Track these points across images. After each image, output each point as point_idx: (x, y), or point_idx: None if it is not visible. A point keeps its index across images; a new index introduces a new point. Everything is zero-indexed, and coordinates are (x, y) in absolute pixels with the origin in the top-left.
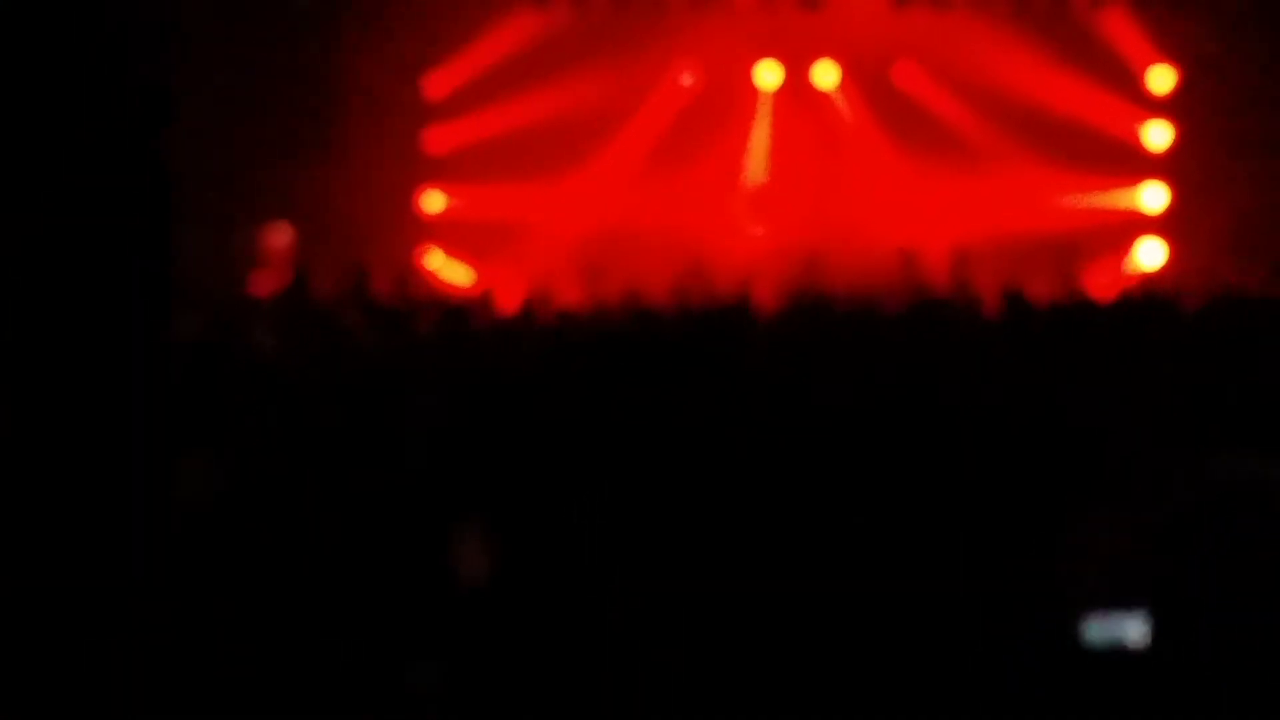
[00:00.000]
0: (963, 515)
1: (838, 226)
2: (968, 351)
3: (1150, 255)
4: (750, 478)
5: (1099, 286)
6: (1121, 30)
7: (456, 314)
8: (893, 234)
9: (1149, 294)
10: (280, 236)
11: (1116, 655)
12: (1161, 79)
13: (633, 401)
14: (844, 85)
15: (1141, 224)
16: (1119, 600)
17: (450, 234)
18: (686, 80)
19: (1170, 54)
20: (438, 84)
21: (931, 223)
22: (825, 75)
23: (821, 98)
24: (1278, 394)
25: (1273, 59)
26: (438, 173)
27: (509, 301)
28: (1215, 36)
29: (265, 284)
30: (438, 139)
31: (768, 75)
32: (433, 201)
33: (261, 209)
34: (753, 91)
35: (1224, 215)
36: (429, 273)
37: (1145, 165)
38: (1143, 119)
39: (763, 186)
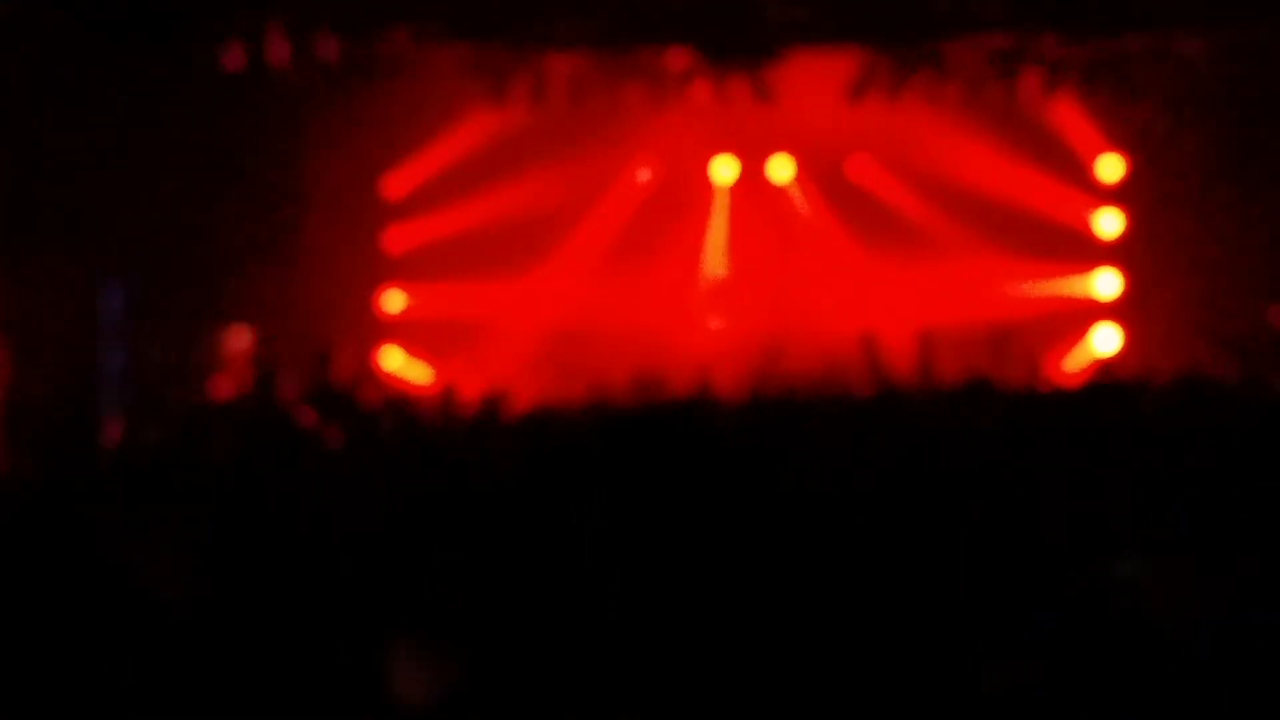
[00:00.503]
0: (925, 599)
1: (797, 318)
2: (930, 439)
3: (1106, 341)
4: (716, 570)
5: (1056, 373)
6: (1071, 120)
7: (417, 415)
8: (851, 324)
9: (1106, 380)
10: (240, 340)
11: None
12: (1111, 167)
13: (596, 499)
14: (799, 179)
15: (1096, 310)
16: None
17: (410, 333)
18: (643, 176)
19: (1119, 143)
20: (397, 184)
21: (889, 312)
22: (781, 169)
23: (777, 191)
24: (1233, 478)
25: (1218, 145)
26: (397, 272)
27: (469, 400)
28: (1162, 125)
29: (226, 387)
30: (397, 239)
31: (724, 170)
32: (392, 301)
33: (222, 312)
34: (709, 186)
35: (1177, 300)
36: (389, 372)
37: (1098, 252)
38: (1094, 207)
39: (721, 280)
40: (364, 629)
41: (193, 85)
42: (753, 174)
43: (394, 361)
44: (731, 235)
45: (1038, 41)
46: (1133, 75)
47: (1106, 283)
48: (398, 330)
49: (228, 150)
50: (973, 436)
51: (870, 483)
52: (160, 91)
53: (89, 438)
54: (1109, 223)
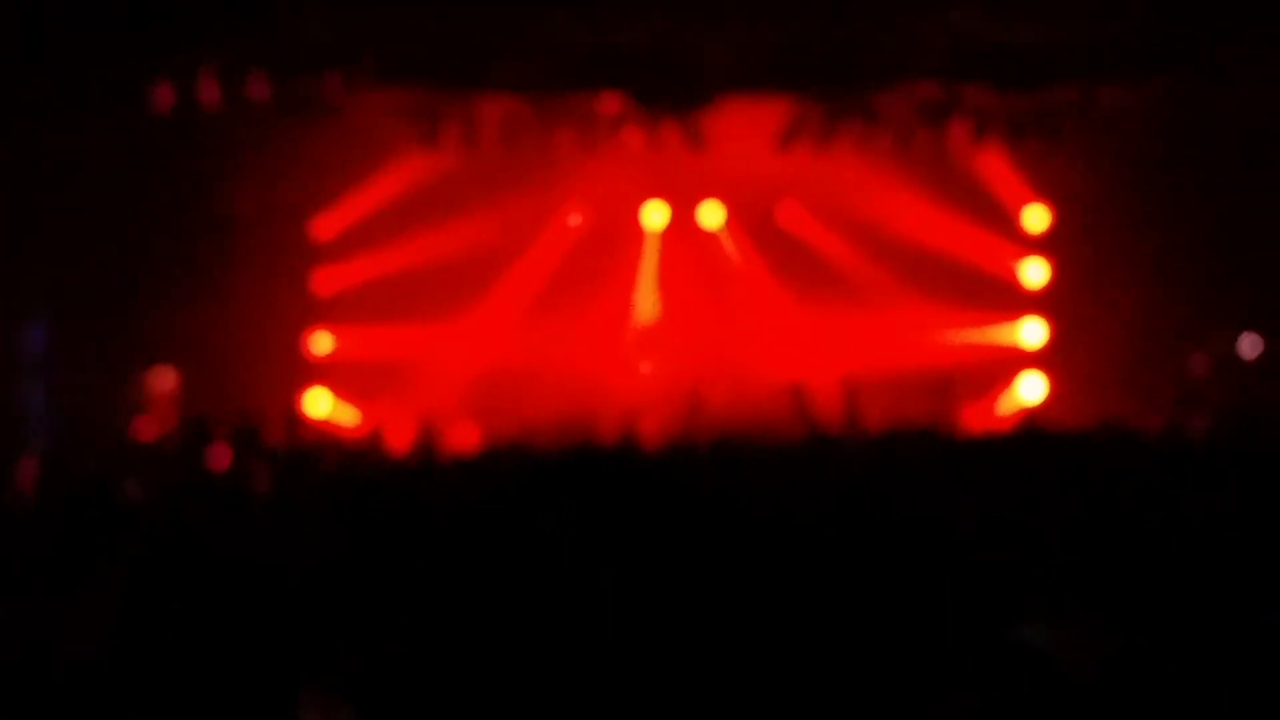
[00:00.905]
0: (846, 648)
1: (726, 363)
2: (855, 484)
3: (1031, 390)
4: (639, 613)
5: (981, 421)
6: (998, 170)
7: (348, 457)
8: (780, 370)
9: (1030, 427)
10: (164, 380)
11: None
12: (1037, 217)
13: (522, 541)
14: (730, 225)
15: (1021, 359)
16: None
17: (338, 375)
18: (574, 220)
19: (1045, 193)
20: (326, 225)
21: (817, 358)
22: (711, 215)
23: (708, 237)
24: (1155, 525)
25: (1142, 196)
26: (325, 314)
27: (398, 442)
28: (1086, 176)
29: (149, 428)
30: (326, 280)
31: (655, 215)
32: (320, 342)
33: (146, 351)
34: (640, 231)
35: (1102, 349)
36: (316, 415)
37: (1024, 301)
38: (1020, 256)
39: (651, 325)
40: (279, 675)
41: (122, 123)
42: (683, 219)
43: (321, 403)
44: (662, 280)
45: (966, 92)
46: (1059, 127)
47: (1032, 331)
48: (325, 372)
49: (156, 188)
50: (896, 482)
51: (793, 526)
52: (89, 128)
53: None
54: (1034, 272)
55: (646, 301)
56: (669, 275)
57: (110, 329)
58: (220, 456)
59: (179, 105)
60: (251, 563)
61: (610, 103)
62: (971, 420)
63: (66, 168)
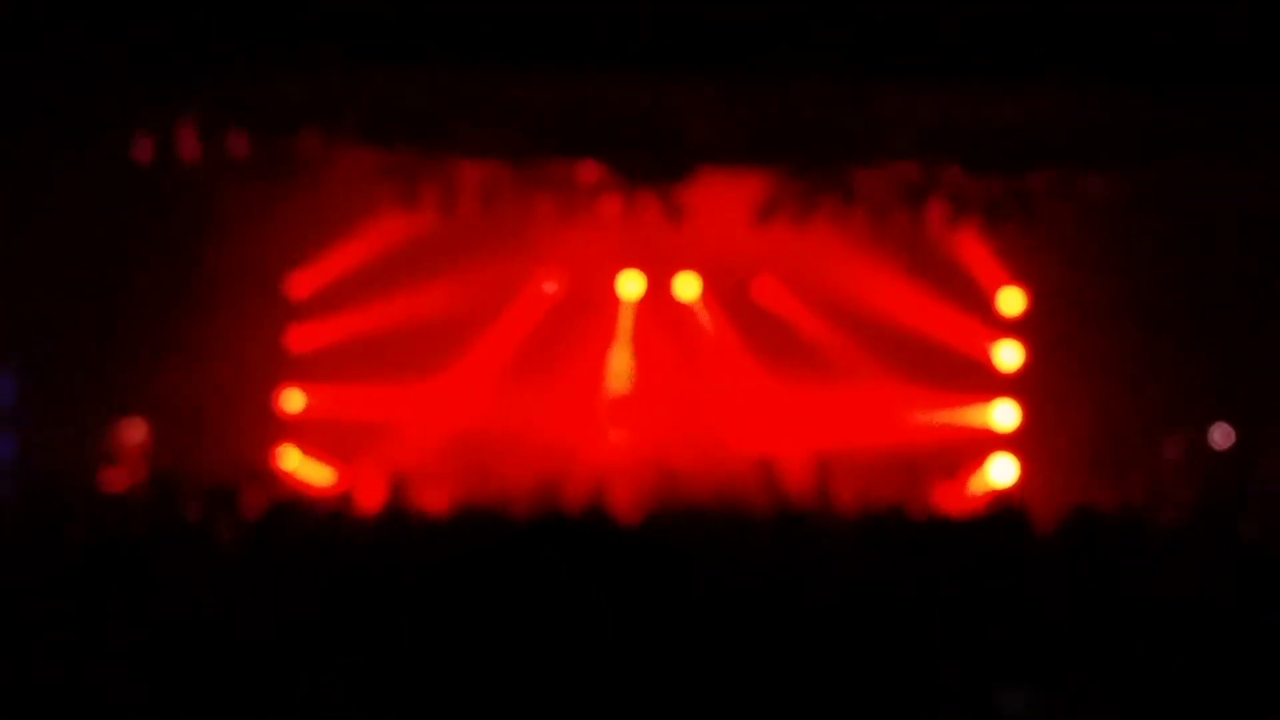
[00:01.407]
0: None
1: (697, 435)
2: (825, 562)
3: (1002, 472)
4: (609, 679)
5: (951, 502)
6: (974, 252)
7: (318, 515)
8: (751, 444)
9: (1000, 510)
10: (135, 433)
11: None
12: (1012, 300)
13: (492, 606)
14: (705, 297)
15: (993, 441)
16: None
17: (309, 433)
18: (550, 287)
19: (1021, 276)
20: (302, 283)
21: (789, 434)
22: (686, 287)
23: (682, 308)
24: (1128, 611)
25: (1118, 282)
26: (298, 372)
27: (369, 502)
28: (1063, 261)
29: (119, 480)
30: (300, 338)
31: (630, 285)
32: (293, 400)
33: (119, 404)
34: (615, 300)
35: (1074, 434)
36: (287, 472)
37: (996, 384)
38: (994, 339)
39: (624, 394)
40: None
41: (98, 175)
42: (658, 290)
43: (292, 461)
44: (635, 350)
45: (944, 173)
46: (1036, 211)
47: (1004, 414)
48: (297, 429)
49: (131, 241)
50: (865, 561)
51: (758, 601)
52: (64, 179)
53: None
54: (1008, 355)
55: (619, 370)
56: (643, 345)
57: (81, 380)
58: (189, 511)
59: (158, 159)
60: (215, 616)
61: (589, 171)
62: (941, 501)
63: (41, 218)
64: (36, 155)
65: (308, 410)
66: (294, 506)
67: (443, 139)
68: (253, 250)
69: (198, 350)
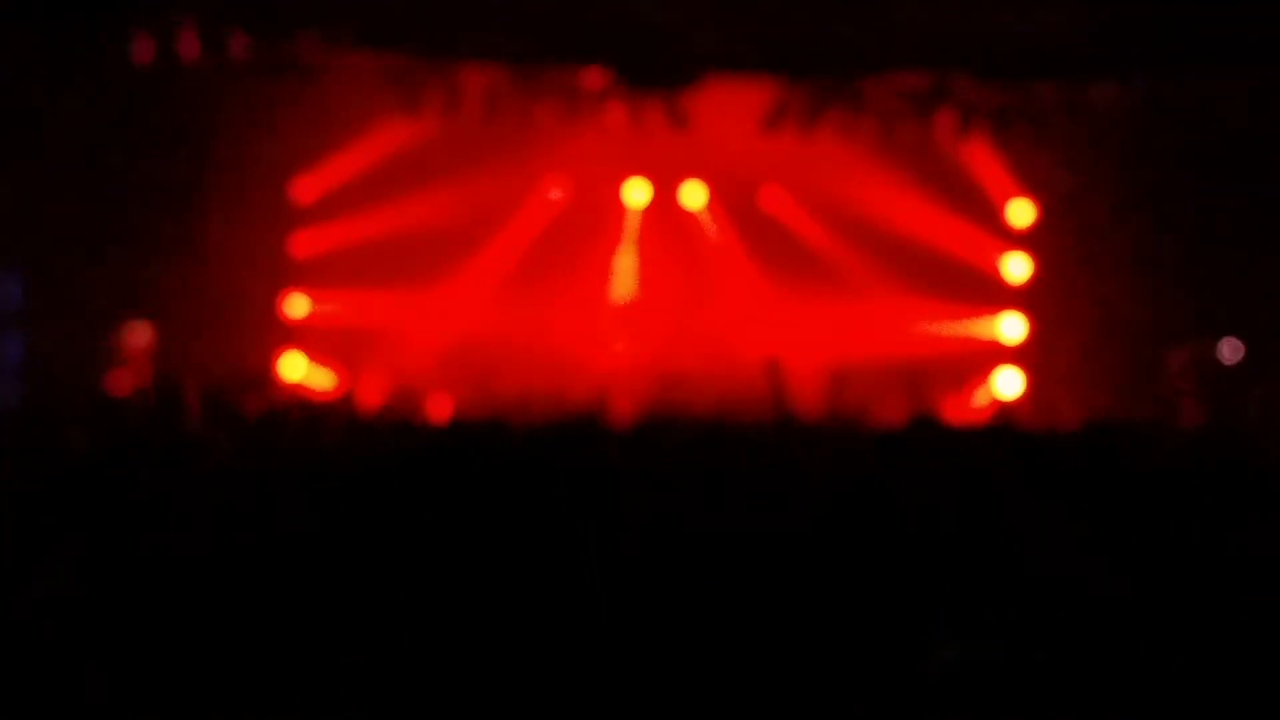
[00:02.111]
0: (807, 633)
1: (701, 344)
2: (828, 470)
3: (1008, 384)
4: (606, 588)
5: (957, 413)
6: (983, 164)
7: (317, 419)
8: (755, 354)
9: (1005, 422)
10: (140, 336)
11: None
12: (1021, 212)
13: (486, 510)
14: (711, 206)
15: (1000, 354)
16: None
17: (313, 339)
18: (555, 195)
19: (1030, 188)
20: (306, 188)
21: (793, 344)
22: (692, 195)
23: (688, 217)
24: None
25: (1126, 194)
26: (303, 277)
27: (370, 408)
28: (1073, 172)
29: (124, 382)
30: (304, 243)
31: (636, 193)
32: (296, 305)
33: (124, 308)
34: (621, 208)
35: (1081, 347)
36: (290, 376)
37: (1004, 296)
38: (1003, 251)
39: (628, 302)
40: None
41: (100, 76)
42: (664, 199)
43: (296, 367)
44: (640, 259)
45: (952, 83)
46: (1045, 121)
47: (1011, 326)
48: (300, 335)
49: (134, 143)
50: (863, 471)
51: (757, 508)
52: (66, 81)
53: None
54: (1017, 267)
55: (624, 279)
56: (648, 253)
57: (87, 282)
58: (191, 416)
59: (158, 60)
60: (213, 524)
61: (594, 78)
62: (947, 413)
63: (44, 121)
64: (38, 57)
65: (311, 316)
66: (296, 412)
67: (445, 43)
68: (256, 154)
69: (202, 253)
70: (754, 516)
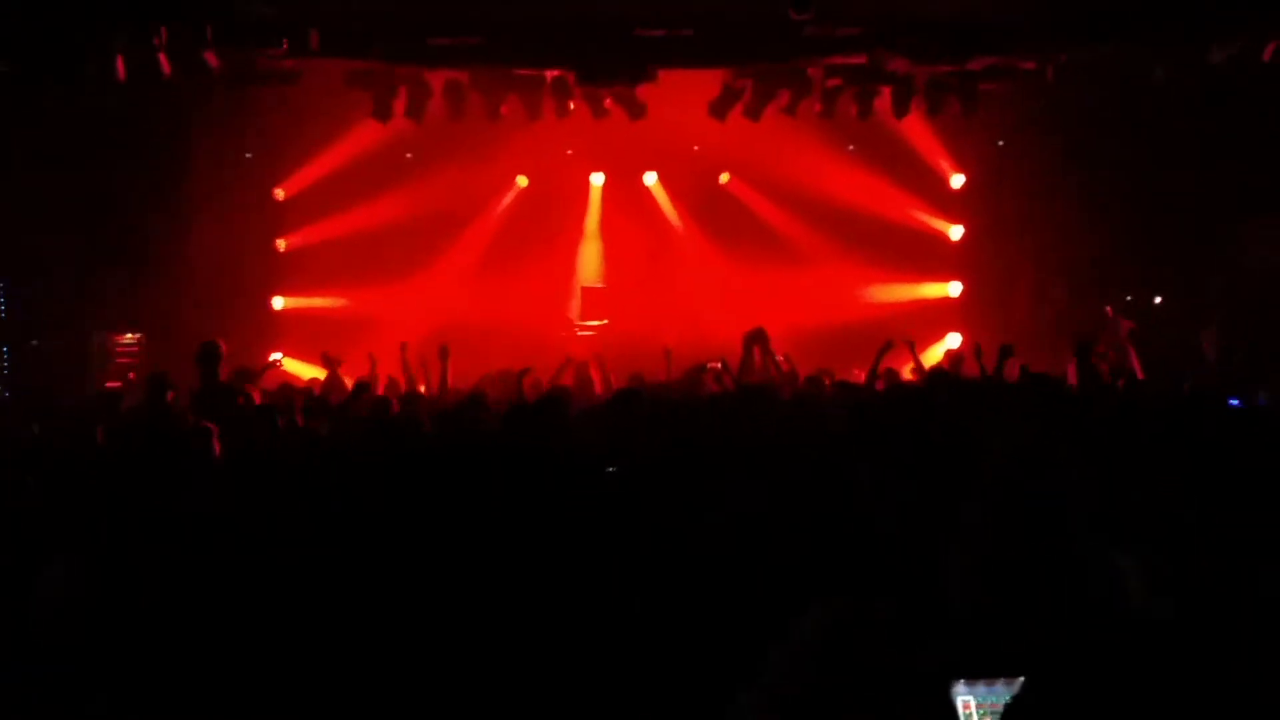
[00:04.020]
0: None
1: (666, 322)
2: (789, 426)
3: (952, 342)
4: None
5: (905, 370)
6: (920, 137)
7: (309, 405)
8: (719, 327)
9: (950, 375)
10: (127, 339)
11: None
12: (956, 181)
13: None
14: (670, 190)
15: (942, 315)
16: None
17: (295, 334)
18: (521, 183)
19: (963, 158)
20: (283, 190)
21: (754, 316)
22: (652, 181)
23: (650, 201)
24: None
25: (1056, 161)
26: (283, 275)
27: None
28: (1002, 141)
29: (111, 386)
30: (287, 241)
31: (598, 180)
32: (279, 302)
33: (109, 311)
34: (585, 195)
35: (1017, 307)
36: (277, 369)
37: (945, 262)
38: (942, 218)
39: (595, 284)
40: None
41: (81, 91)
42: (627, 185)
43: (282, 359)
44: (605, 242)
45: (889, 62)
46: (976, 95)
47: (952, 289)
48: (283, 331)
49: (117, 152)
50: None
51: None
52: (49, 97)
53: None
54: (955, 232)
55: (590, 262)
56: (611, 237)
57: (71, 292)
58: (181, 413)
59: (137, 74)
60: (214, 516)
61: (554, 75)
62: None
63: (26, 132)
64: (20, 74)
65: (292, 312)
66: (281, 406)
67: (407, 49)
68: (238, 157)
69: (186, 257)
70: (724, 486)
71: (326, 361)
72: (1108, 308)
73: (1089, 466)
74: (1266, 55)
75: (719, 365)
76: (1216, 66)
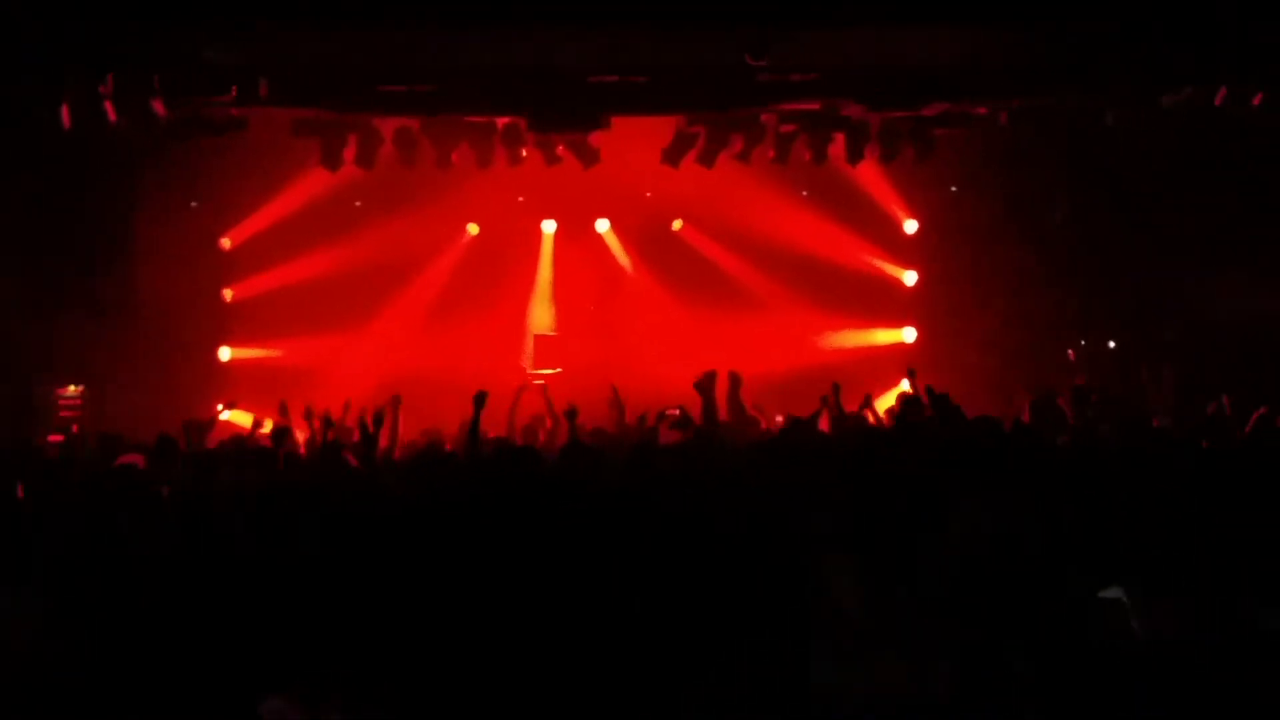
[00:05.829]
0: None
1: (618, 371)
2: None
3: (907, 387)
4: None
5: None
6: (874, 184)
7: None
8: (670, 376)
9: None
10: (70, 393)
11: None
12: (909, 227)
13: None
14: (623, 237)
15: (896, 361)
16: None
17: (244, 384)
18: (472, 230)
19: (916, 204)
20: (231, 239)
21: (707, 364)
22: (604, 228)
23: (602, 248)
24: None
25: (1007, 207)
26: (232, 325)
27: (303, 448)
28: (955, 188)
29: (56, 440)
30: (234, 291)
31: (550, 228)
32: (227, 353)
33: (54, 364)
34: (537, 243)
35: (968, 352)
36: (225, 422)
37: (899, 307)
38: (895, 263)
39: (547, 332)
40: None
41: (25, 140)
42: (578, 232)
43: (228, 412)
44: (556, 290)
45: (844, 108)
46: (929, 143)
47: (907, 334)
48: (232, 381)
49: (61, 199)
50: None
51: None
52: None
53: None
54: (909, 278)
55: (542, 311)
56: (563, 284)
57: (14, 340)
58: (130, 464)
59: (83, 124)
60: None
61: (504, 122)
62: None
63: None
64: None
65: (241, 362)
66: (231, 455)
67: (356, 98)
68: (179, 208)
69: (133, 308)
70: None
71: (283, 411)
72: (1070, 351)
73: (1055, 507)
74: (1218, 100)
75: (677, 413)
76: (1168, 111)
